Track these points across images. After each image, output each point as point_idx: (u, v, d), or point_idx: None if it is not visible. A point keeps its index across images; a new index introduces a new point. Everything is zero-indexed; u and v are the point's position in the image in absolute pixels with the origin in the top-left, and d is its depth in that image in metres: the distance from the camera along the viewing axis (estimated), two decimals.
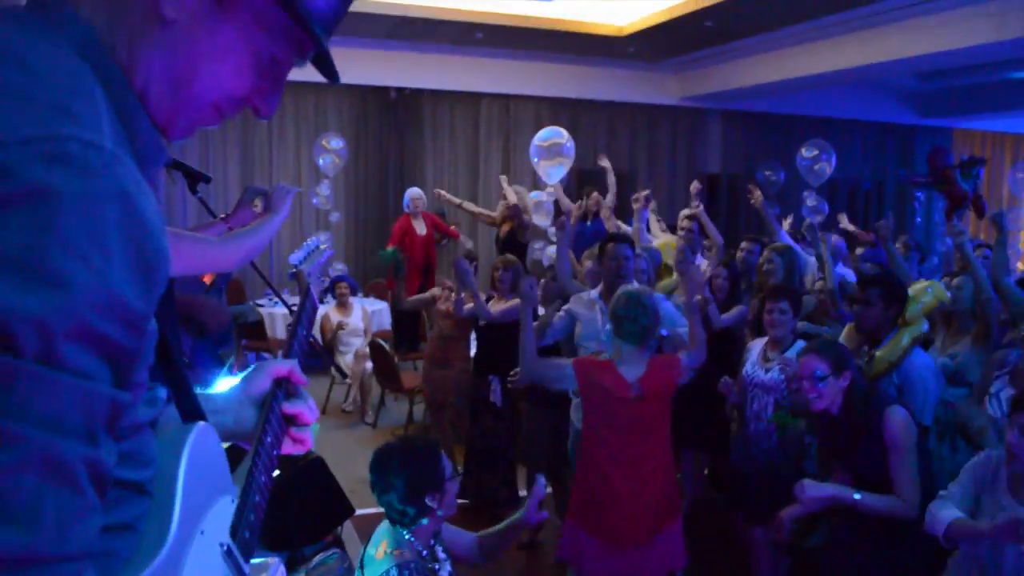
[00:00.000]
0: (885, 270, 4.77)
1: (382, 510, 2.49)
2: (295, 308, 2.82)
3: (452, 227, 9.86)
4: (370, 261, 10.65)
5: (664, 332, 3.66)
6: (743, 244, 5.77)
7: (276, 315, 8.18)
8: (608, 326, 3.92)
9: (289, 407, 1.17)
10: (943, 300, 3.99)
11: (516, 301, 4.98)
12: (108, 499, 0.79)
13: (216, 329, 3.00)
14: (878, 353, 3.67)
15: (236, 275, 8.89)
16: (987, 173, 12.03)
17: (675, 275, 5.42)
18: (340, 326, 7.48)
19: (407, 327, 8.31)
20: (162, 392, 0.95)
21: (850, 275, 5.48)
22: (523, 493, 5.24)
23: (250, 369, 1.20)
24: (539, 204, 7.48)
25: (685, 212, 6.43)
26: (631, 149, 11.92)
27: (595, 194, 7.64)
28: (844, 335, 4.06)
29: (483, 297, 5.08)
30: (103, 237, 0.67)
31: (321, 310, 7.23)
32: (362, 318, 7.73)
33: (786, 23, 8.97)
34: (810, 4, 8.14)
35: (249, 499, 1.02)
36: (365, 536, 2.51)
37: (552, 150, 7.33)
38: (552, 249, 7.29)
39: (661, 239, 6.57)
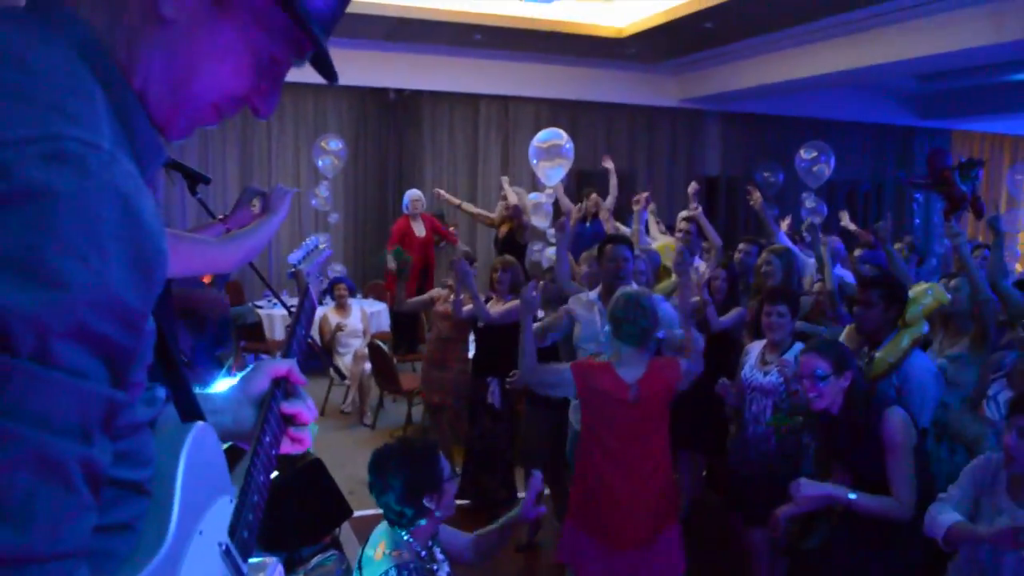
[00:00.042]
0: (884, 271, 4.78)
1: (380, 512, 2.49)
2: (294, 309, 2.82)
3: (451, 228, 9.86)
4: (369, 262, 10.66)
5: (661, 334, 3.65)
6: (740, 245, 5.77)
7: (275, 316, 8.18)
8: (607, 327, 3.93)
9: (287, 407, 1.17)
10: (943, 302, 3.99)
11: (515, 302, 4.98)
12: (107, 499, 0.79)
13: (215, 320, 3.00)
14: (878, 354, 3.67)
15: (235, 276, 8.90)
16: (986, 174, 12.04)
17: (674, 277, 5.42)
18: (339, 327, 7.48)
19: (406, 329, 8.32)
20: (161, 392, 0.95)
21: (848, 276, 5.48)
22: (522, 494, 5.20)
23: (248, 369, 1.20)
24: (538, 205, 7.48)
25: (683, 214, 6.43)
26: (630, 151, 11.92)
27: (594, 195, 7.65)
28: (844, 336, 4.06)
29: (482, 298, 5.08)
30: (101, 237, 0.67)
31: (320, 311, 7.23)
32: (361, 319, 7.73)
33: (785, 25, 8.98)
34: (809, 6, 8.15)
35: (248, 499, 1.02)
36: (363, 538, 2.51)
37: (551, 151, 7.33)
38: (551, 251, 7.30)
39: (660, 241, 6.57)
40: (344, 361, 7.41)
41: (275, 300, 7.37)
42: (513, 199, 7.71)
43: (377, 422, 7.17)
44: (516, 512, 2.76)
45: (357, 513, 3.92)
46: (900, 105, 13.22)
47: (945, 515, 2.69)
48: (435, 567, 2.44)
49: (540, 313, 4.74)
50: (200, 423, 0.95)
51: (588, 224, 7.39)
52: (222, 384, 1.24)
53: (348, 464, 5.33)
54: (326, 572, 3.25)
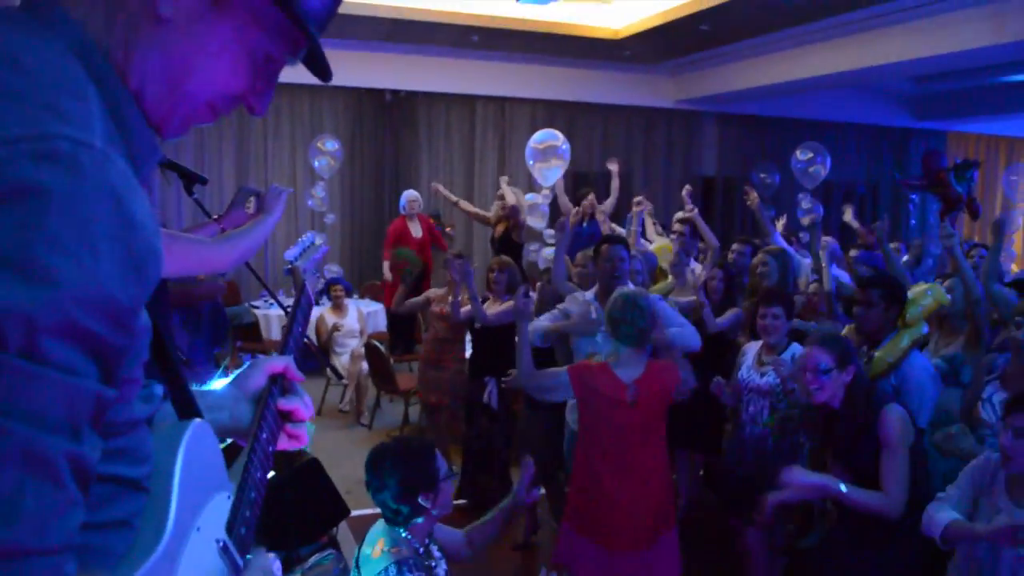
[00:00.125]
0: (882, 272, 4.79)
1: (378, 511, 2.50)
2: (290, 309, 2.82)
3: (448, 228, 9.87)
4: (366, 262, 10.66)
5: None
6: (734, 246, 5.79)
7: (271, 316, 8.18)
8: (603, 328, 3.93)
9: (284, 403, 1.17)
10: (943, 303, 4.01)
11: (512, 303, 4.99)
12: (104, 495, 0.80)
13: (211, 308, 3.00)
14: (877, 354, 3.68)
15: (232, 276, 8.89)
16: (981, 176, 12.05)
17: (670, 278, 5.44)
18: (335, 328, 7.48)
19: (402, 329, 8.32)
20: (158, 389, 0.95)
21: (844, 276, 5.50)
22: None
23: (245, 366, 1.20)
24: (534, 206, 7.48)
25: (679, 215, 6.44)
26: (627, 152, 11.92)
27: (591, 196, 7.67)
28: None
29: (480, 300, 5.08)
30: (92, 235, 0.68)
31: (316, 312, 7.24)
32: (357, 319, 7.74)
33: (782, 26, 8.99)
34: (806, 7, 8.15)
35: (245, 495, 1.02)
36: (360, 537, 2.52)
37: (548, 152, 7.34)
38: (547, 251, 7.30)
39: (657, 243, 6.59)
40: (341, 361, 7.41)
41: (271, 300, 7.37)
42: (511, 199, 7.71)
43: (374, 422, 7.17)
44: (509, 501, 2.78)
45: (354, 512, 3.92)
46: (896, 106, 13.24)
47: (942, 514, 2.70)
48: (432, 564, 2.44)
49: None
50: (197, 420, 0.95)
51: (585, 225, 7.40)
52: (219, 383, 1.24)
53: (345, 464, 5.33)
54: (323, 571, 3.25)
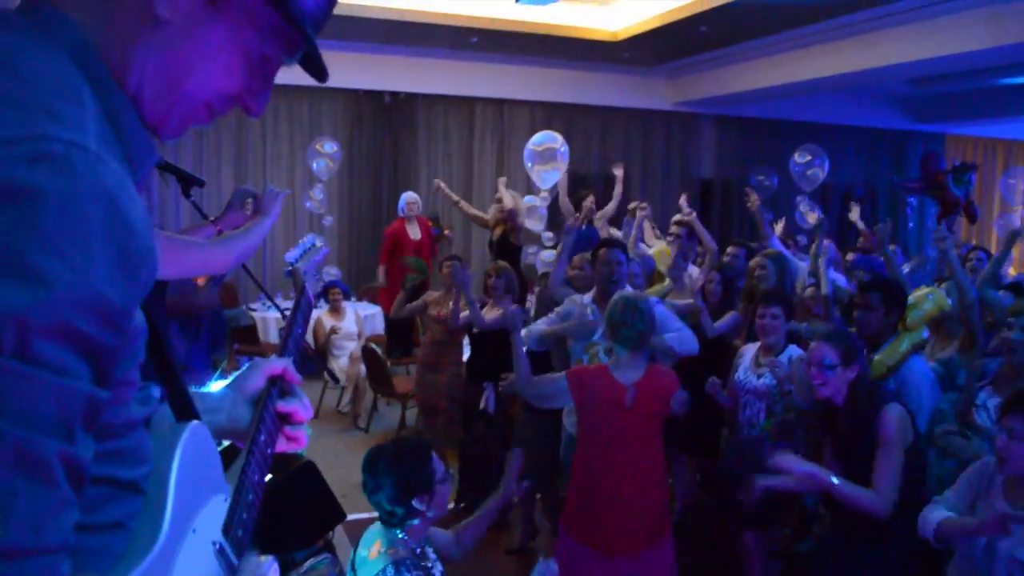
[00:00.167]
0: (882, 276, 4.80)
1: (374, 516, 2.50)
2: (288, 312, 2.81)
3: (446, 231, 9.86)
4: (364, 265, 10.65)
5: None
6: (728, 249, 5.79)
7: (268, 319, 8.16)
8: (601, 330, 3.93)
9: (283, 405, 1.17)
10: (944, 308, 4.01)
11: (516, 307, 4.99)
12: (100, 497, 0.80)
13: (210, 322, 3.00)
14: (877, 357, 3.68)
15: (229, 279, 8.88)
16: (979, 179, 12.08)
17: (667, 281, 5.44)
18: (333, 330, 7.47)
19: (400, 332, 8.31)
20: (155, 391, 0.95)
21: (841, 280, 5.51)
22: (515, 499, 5.24)
23: (244, 368, 1.20)
24: (532, 209, 7.48)
25: (677, 218, 6.45)
26: (625, 154, 11.92)
27: (591, 198, 7.68)
28: None
29: (478, 305, 5.08)
30: (85, 236, 0.68)
31: (313, 315, 7.23)
32: (355, 322, 7.73)
33: (780, 29, 8.99)
34: (804, 10, 8.16)
35: (242, 497, 1.02)
36: (356, 541, 2.51)
37: (546, 154, 7.34)
38: (546, 254, 7.30)
39: (656, 247, 6.59)
40: (339, 363, 7.40)
41: (269, 303, 7.37)
42: (509, 202, 7.71)
43: (371, 425, 7.16)
44: (497, 496, 2.79)
45: (350, 516, 3.91)
46: (894, 109, 13.26)
47: (935, 513, 2.71)
48: (429, 565, 2.44)
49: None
50: (194, 422, 0.95)
51: (584, 228, 7.40)
52: (216, 386, 1.24)
53: (341, 467, 5.33)
54: (319, 575, 3.25)
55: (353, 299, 8.93)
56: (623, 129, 12.09)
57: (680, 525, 5.01)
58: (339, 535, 4.33)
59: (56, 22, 0.79)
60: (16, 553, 0.64)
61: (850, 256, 6.60)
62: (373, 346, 7.06)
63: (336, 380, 7.18)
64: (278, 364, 1.19)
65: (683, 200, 6.90)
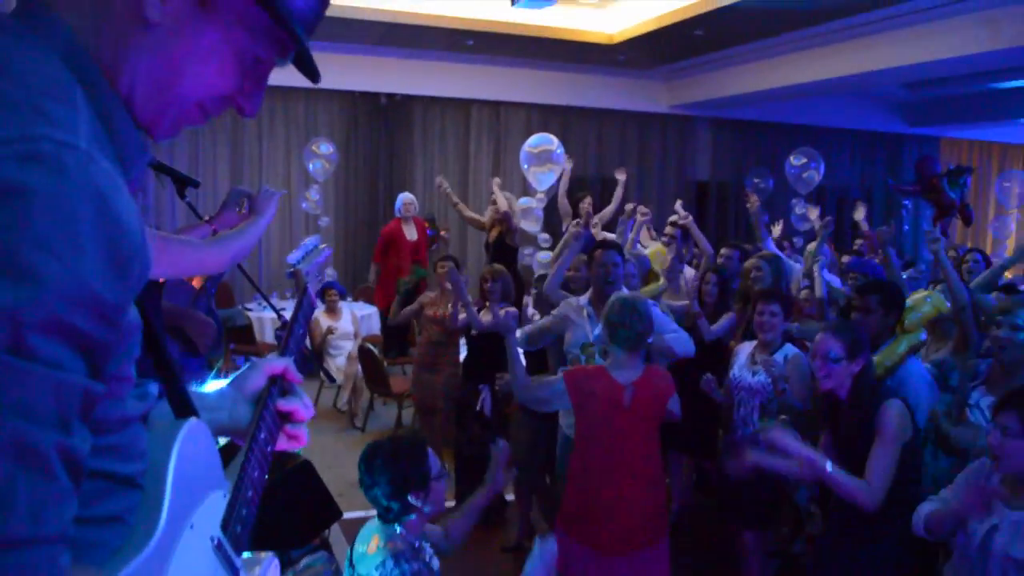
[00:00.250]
0: (878, 278, 4.82)
1: (370, 514, 2.51)
2: (283, 312, 2.82)
3: (443, 232, 9.87)
4: (360, 265, 10.66)
5: (649, 340, 3.67)
6: (722, 251, 5.80)
7: (264, 319, 8.16)
8: (597, 332, 3.94)
9: (284, 404, 1.19)
10: (942, 311, 4.04)
11: (511, 309, 5.00)
12: (97, 491, 0.82)
13: (204, 348, 3.01)
14: (875, 358, 3.70)
15: (225, 279, 8.88)
16: (974, 182, 12.12)
17: (662, 280, 5.46)
18: (329, 331, 7.48)
19: (397, 332, 8.32)
20: (153, 388, 0.96)
21: (836, 281, 5.53)
22: (510, 497, 5.25)
23: (245, 367, 1.21)
24: (528, 210, 7.49)
25: (673, 218, 6.47)
26: (621, 156, 11.94)
27: (588, 200, 7.69)
28: None
29: (474, 308, 5.09)
30: (75, 233, 0.69)
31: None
32: (351, 322, 7.74)
33: (776, 32, 9.01)
34: (800, 14, 8.18)
35: (241, 494, 1.03)
36: (353, 540, 2.53)
37: (542, 157, 7.35)
38: (542, 255, 7.31)
39: (652, 247, 6.61)
40: (336, 363, 7.41)
41: (265, 303, 7.37)
42: (503, 204, 7.71)
43: (367, 425, 7.17)
44: (484, 488, 2.81)
45: (347, 515, 3.92)
46: (889, 112, 13.29)
47: (926, 506, 2.72)
48: (427, 559, 2.46)
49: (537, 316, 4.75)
50: (193, 419, 0.96)
51: (584, 227, 7.40)
52: (213, 385, 1.25)
53: (338, 466, 5.33)
54: (315, 573, 3.26)
55: (349, 299, 8.93)
56: (619, 131, 12.11)
57: (677, 525, 5.02)
58: (335, 533, 4.34)
59: (49, 25, 0.80)
60: (17, 543, 0.65)
61: (845, 259, 6.62)
62: (369, 346, 7.07)
63: (331, 380, 7.19)
64: (279, 363, 1.20)
65: (678, 205, 6.93)
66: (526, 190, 8.60)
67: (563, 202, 7.83)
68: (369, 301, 9.17)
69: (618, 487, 3.32)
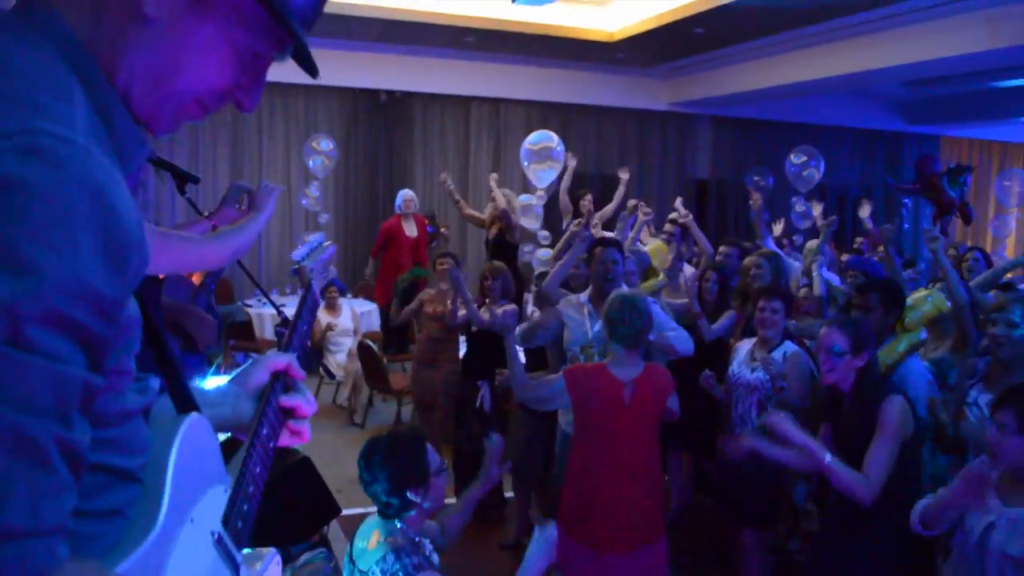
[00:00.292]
0: (878, 276, 4.83)
1: (369, 510, 2.51)
2: (283, 308, 2.83)
3: (443, 229, 9.86)
4: (360, 262, 10.67)
5: (651, 336, 3.68)
6: (720, 248, 5.80)
7: (264, 315, 8.17)
8: (596, 329, 3.95)
9: (287, 400, 1.19)
10: (943, 310, 4.04)
11: (507, 307, 5.00)
12: (96, 484, 0.82)
13: (204, 344, 3.01)
14: None
15: (225, 275, 8.89)
16: (974, 181, 12.13)
17: (661, 276, 5.46)
18: (329, 327, 7.49)
19: (396, 329, 8.32)
20: (154, 382, 0.97)
21: (834, 279, 5.54)
22: (509, 495, 5.26)
23: (248, 363, 1.22)
24: (528, 207, 7.48)
25: (672, 216, 6.48)
26: (620, 154, 11.95)
27: (588, 197, 7.69)
28: None
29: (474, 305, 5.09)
30: (72, 226, 0.70)
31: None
32: (351, 319, 7.74)
33: (776, 30, 9.01)
34: (800, 12, 8.18)
35: (243, 489, 1.04)
36: (351, 536, 2.53)
37: (542, 154, 7.35)
38: (542, 252, 7.31)
39: (652, 244, 6.61)
40: (336, 360, 7.42)
41: (264, 299, 7.37)
42: (502, 202, 7.68)
43: (367, 421, 7.18)
44: (479, 482, 2.82)
45: (345, 511, 3.93)
46: (889, 111, 13.29)
47: (920, 502, 2.73)
48: (427, 553, 2.47)
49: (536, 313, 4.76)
50: (194, 414, 0.96)
51: (584, 225, 7.39)
52: (212, 382, 1.26)
53: (337, 463, 5.34)
54: (314, 570, 3.26)
55: (349, 296, 8.95)
56: (619, 129, 12.11)
57: (675, 523, 5.03)
58: (334, 530, 4.34)
59: (47, 21, 0.81)
60: (15, 535, 0.65)
61: (844, 257, 6.63)
62: (369, 343, 7.08)
63: (331, 376, 7.19)
64: (282, 359, 1.20)
65: (678, 203, 6.93)
66: (526, 187, 8.59)
67: (564, 199, 7.82)
68: (369, 298, 9.18)
69: (618, 486, 3.32)
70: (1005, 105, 11.77)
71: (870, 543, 2.97)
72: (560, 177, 7.79)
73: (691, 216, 6.33)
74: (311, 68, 0.95)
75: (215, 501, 0.98)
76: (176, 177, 2.67)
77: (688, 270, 5.96)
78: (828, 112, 12.53)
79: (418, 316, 5.96)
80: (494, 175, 8.23)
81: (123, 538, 0.84)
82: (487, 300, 5.18)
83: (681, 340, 4.09)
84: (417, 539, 2.43)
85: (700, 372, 4.13)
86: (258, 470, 1.09)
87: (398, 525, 2.42)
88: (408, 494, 2.39)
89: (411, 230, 8.86)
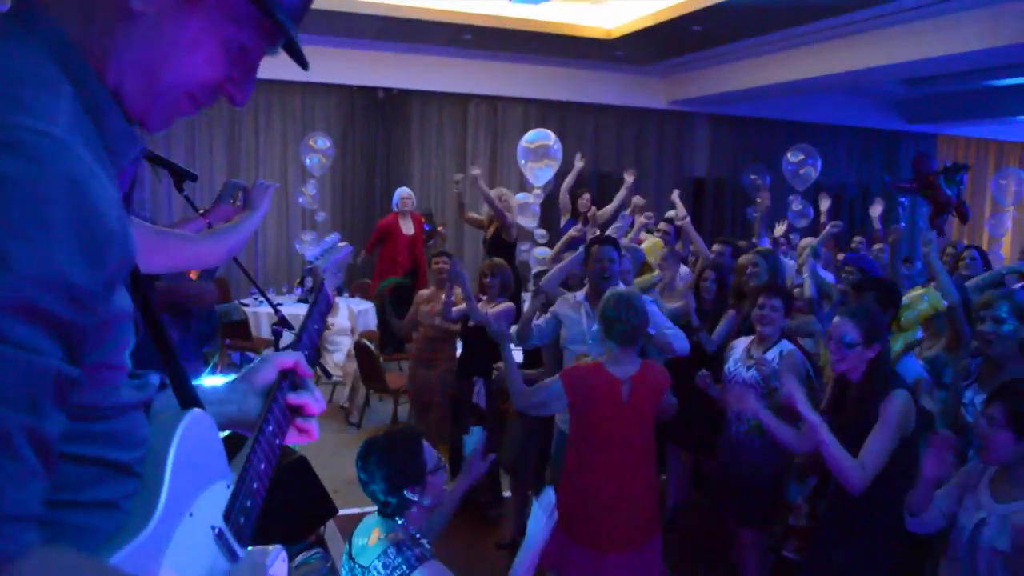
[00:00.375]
0: (873, 273, 4.83)
1: (366, 510, 2.51)
2: (280, 307, 2.82)
3: (440, 228, 9.85)
4: (357, 260, 10.65)
5: (651, 331, 3.67)
6: (714, 247, 5.79)
7: (261, 314, 8.14)
8: (594, 328, 3.94)
9: (294, 398, 1.20)
10: (939, 308, 4.04)
11: (506, 304, 5.00)
12: (89, 477, 0.83)
13: (200, 312, 3.00)
14: None
15: (222, 273, 8.88)
16: (970, 179, 12.14)
17: (656, 272, 5.46)
18: (326, 326, 7.47)
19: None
20: (154, 378, 0.97)
21: (829, 277, 5.55)
22: (507, 494, 5.25)
23: (256, 361, 1.22)
24: (525, 206, 7.47)
25: (669, 214, 6.47)
26: (618, 152, 11.95)
27: (586, 196, 7.68)
28: None
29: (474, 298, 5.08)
30: (48, 219, 0.71)
31: (306, 311, 7.21)
32: (348, 318, 7.73)
33: (774, 28, 9.01)
34: (798, 10, 8.18)
35: (246, 485, 1.04)
36: (348, 536, 2.53)
37: (539, 152, 7.34)
38: (539, 251, 7.30)
39: (648, 241, 6.61)
40: (334, 359, 7.41)
41: (261, 298, 7.36)
42: (496, 202, 7.60)
43: (363, 421, 7.17)
44: (462, 476, 2.82)
45: (342, 511, 3.92)
46: (887, 109, 13.30)
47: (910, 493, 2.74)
48: (426, 546, 2.47)
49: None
50: (196, 410, 0.97)
51: (582, 224, 7.39)
52: (209, 381, 1.26)
53: (333, 463, 5.33)
54: (311, 570, 3.26)
55: (346, 295, 8.93)
56: (617, 127, 12.10)
57: (673, 522, 5.03)
58: (331, 530, 4.34)
59: (37, 21, 0.82)
60: None
61: (840, 256, 6.64)
62: (366, 342, 7.07)
63: (328, 376, 7.17)
64: (290, 357, 1.21)
65: (675, 195, 6.90)
66: (523, 186, 8.58)
67: (564, 198, 7.81)
68: (365, 297, 9.17)
69: (617, 484, 3.32)
70: (1002, 103, 11.78)
71: (869, 542, 2.97)
72: (563, 176, 7.78)
73: (688, 218, 6.32)
74: (302, 61, 0.95)
75: (217, 496, 0.99)
76: (174, 175, 2.66)
77: (684, 270, 5.95)
78: (826, 110, 12.54)
79: (416, 315, 5.94)
80: (476, 170, 7.79)
81: (119, 530, 0.85)
82: (485, 297, 5.17)
83: (679, 338, 4.10)
84: (417, 535, 2.43)
85: (697, 370, 4.13)
86: (263, 467, 1.09)
87: (399, 522, 2.42)
88: (406, 493, 2.39)
89: (408, 228, 8.85)
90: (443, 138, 11.38)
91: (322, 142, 9.25)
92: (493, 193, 7.60)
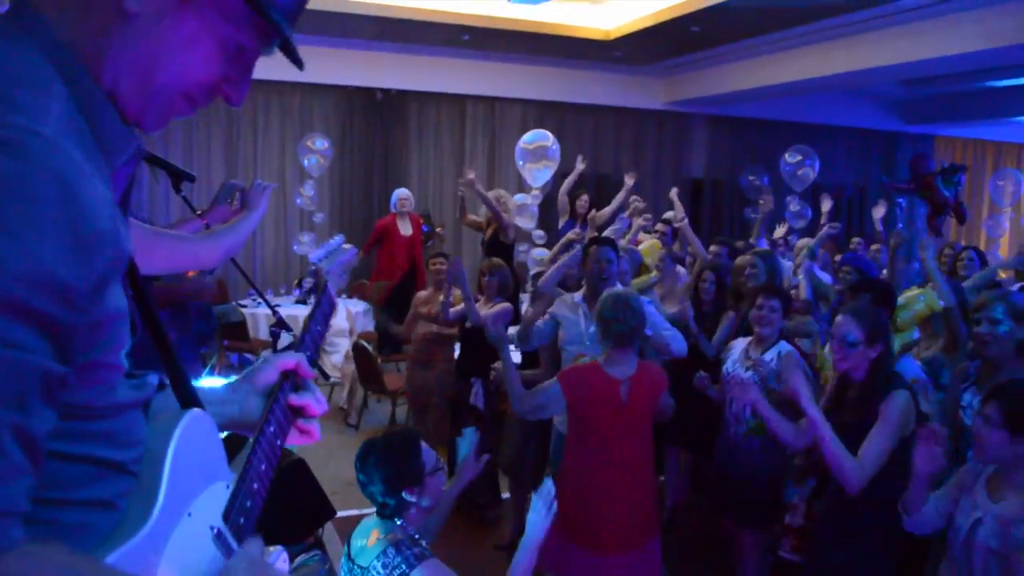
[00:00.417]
0: (869, 274, 4.83)
1: (364, 512, 2.50)
2: (277, 308, 2.81)
3: (438, 228, 9.83)
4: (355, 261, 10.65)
5: (648, 332, 3.67)
6: (711, 247, 5.78)
7: (259, 315, 8.13)
8: (592, 329, 3.94)
9: (296, 399, 1.20)
10: (936, 309, 4.04)
11: (503, 305, 4.99)
12: (84, 475, 0.83)
13: (198, 311, 3.00)
14: None
15: (219, 274, 8.86)
16: (968, 180, 12.14)
17: (654, 273, 5.46)
18: None
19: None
20: (153, 378, 0.97)
21: (826, 277, 5.56)
22: (506, 495, 5.25)
23: (258, 361, 1.22)
24: (523, 207, 7.47)
25: (667, 215, 6.47)
26: (616, 153, 11.95)
27: (584, 197, 7.67)
28: None
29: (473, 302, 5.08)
30: (36, 217, 0.71)
31: (305, 312, 7.20)
32: (346, 319, 7.72)
33: (772, 29, 9.02)
34: (796, 11, 8.19)
35: (246, 486, 1.04)
36: (346, 538, 2.52)
37: (537, 153, 7.34)
38: (537, 252, 7.30)
39: (646, 242, 6.61)
40: (332, 360, 7.40)
41: (259, 299, 7.34)
42: (493, 203, 7.58)
43: (361, 422, 7.16)
44: (457, 477, 2.83)
45: (340, 513, 3.91)
46: (885, 110, 13.31)
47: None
48: (425, 546, 2.46)
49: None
50: (195, 410, 0.97)
51: (579, 226, 7.39)
52: (207, 382, 1.26)
53: (331, 465, 5.33)
54: (309, 572, 3.25)
55: (344, 296, 8.92)
56: (615, 128, 12.10)
57: (671, 522, 5.02)
58: (329, 532, 4.33)
59: (33, 23, 0.82)
60: None
61: (838, 257, 6.65)
62: (364, 343, 7.06)
63: (326, 377, 7.14)
64: (292, 359, 1.21)
65: (673, 193, 6.89)
66: (521, 187, 8.57)
67: (563, 199, 7.80)
68: (363, 298, 9.16)
69: (616, 485, 3.31)
70: (1000, 104, 11.80)
71: (868, 543, 2.97)
72: (562, 177, 7.77)
73: (687, 220, 6.32)
74: (297, 61, 0.95)
75: (216, 496, 0.99)
76: (172, 175, 2.66)
77: (681, 271, 5.95)
78: (824, 111, 12.55)
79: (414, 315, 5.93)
80: (471, 173, 7.60)
81: (116, 529, 0.85)
82: (483, 296, 5.17)
83: (676, 340, 4.10)
84: (416, 536, 2.43)
85: (696, 372, 4.13)
86: (263, 467, 1.09)
87: (397, 523, 2.42)
88: (404, 494, 2.39)
89: (406, 229, 8.84)
90: (441, 139, 11.37)
91: (320, 143, 9.24)
92: (491, 194, 7.58)
